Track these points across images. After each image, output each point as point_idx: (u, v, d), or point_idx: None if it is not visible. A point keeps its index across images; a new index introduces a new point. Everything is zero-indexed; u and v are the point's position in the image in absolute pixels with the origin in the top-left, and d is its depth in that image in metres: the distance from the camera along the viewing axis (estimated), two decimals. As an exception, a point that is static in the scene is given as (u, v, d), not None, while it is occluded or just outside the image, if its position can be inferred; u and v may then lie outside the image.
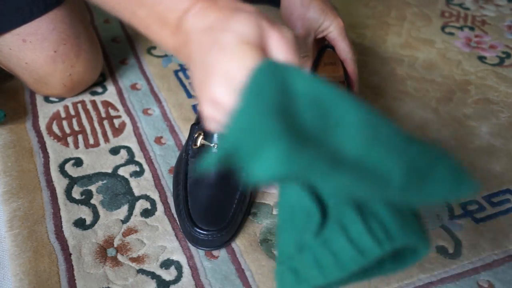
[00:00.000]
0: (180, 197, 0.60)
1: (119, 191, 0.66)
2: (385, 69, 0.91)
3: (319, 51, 0.76)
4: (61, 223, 0.61)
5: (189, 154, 0.63)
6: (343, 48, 0.72)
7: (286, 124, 0.30)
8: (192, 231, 0.57)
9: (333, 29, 0.71)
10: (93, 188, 0.66)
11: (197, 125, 0.64)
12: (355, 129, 0.31)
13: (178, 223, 0.61)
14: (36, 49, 0.72)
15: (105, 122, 0.76)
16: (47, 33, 0.71)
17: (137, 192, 0.66)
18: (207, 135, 0.62)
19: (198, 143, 0.62)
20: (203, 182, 0.61)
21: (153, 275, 0.56)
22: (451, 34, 1.02)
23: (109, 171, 0.68)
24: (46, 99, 0.80)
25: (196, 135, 0.63)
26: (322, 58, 0.75)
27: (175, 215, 0.62)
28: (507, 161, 0.73)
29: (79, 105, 0.79)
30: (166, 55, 0.91)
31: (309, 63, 0.74)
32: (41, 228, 0.60)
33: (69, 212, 0.62)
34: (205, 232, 0.56)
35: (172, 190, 0.65)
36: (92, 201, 0.64)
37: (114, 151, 0.71)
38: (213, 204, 0.59)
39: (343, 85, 0.76)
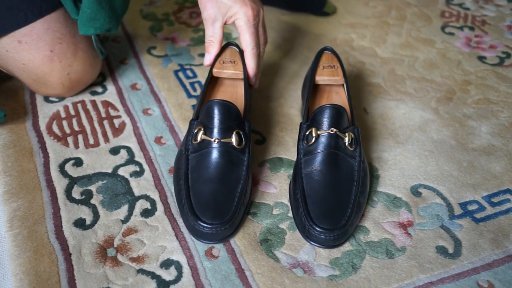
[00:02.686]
0: (182, 192, 0.60)
1: (119, 191, 0.66)
2: (385, 69, 0.91)
3: (318, 54, 0.76)
4: (61, 223, 0.61)
5: (189, 149, 0.63)
6: (245, 39, 0.69)
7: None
8: (195, 225, 0.57)
9: (240, 17, 0.68)
10: (93, 188, 0.66)
11: (196, 121, 0.64)
12: None
13: (181, 218, 0.61)
14: (32, 50, 0.72)
15: (105, 122, 0.76)
16: (42, 33, 0.71)
17: (137, 192, 0.66)
18: (207, 130, 0.62)
19: (199, 138, 0.62)
20: (205, 177, 0.61)
21: (153, 275, 0.56)
22: (451, 34, 1.02)
23: (109, 171, 0.68)
24: (46, 99, 0.80)
25: (196, 130, 0.63)
26: (321, 61, 0.75)
27: (177, 212, 0.63)
28: (507, 161, 0.73)
29: (79, 105, 0.79)
30: (166, 55, 0.91)
31: (215, 48, 0.72)
32: (41, 228, 0.60)
33: (69, 212, 0.62)
34: (209, 226, 0.57)
35: (173, 188, 0.65)
36: (92, 201, 0.64)
37: (114, 151, 0.71)
38: (215, 198, 0.59)
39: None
